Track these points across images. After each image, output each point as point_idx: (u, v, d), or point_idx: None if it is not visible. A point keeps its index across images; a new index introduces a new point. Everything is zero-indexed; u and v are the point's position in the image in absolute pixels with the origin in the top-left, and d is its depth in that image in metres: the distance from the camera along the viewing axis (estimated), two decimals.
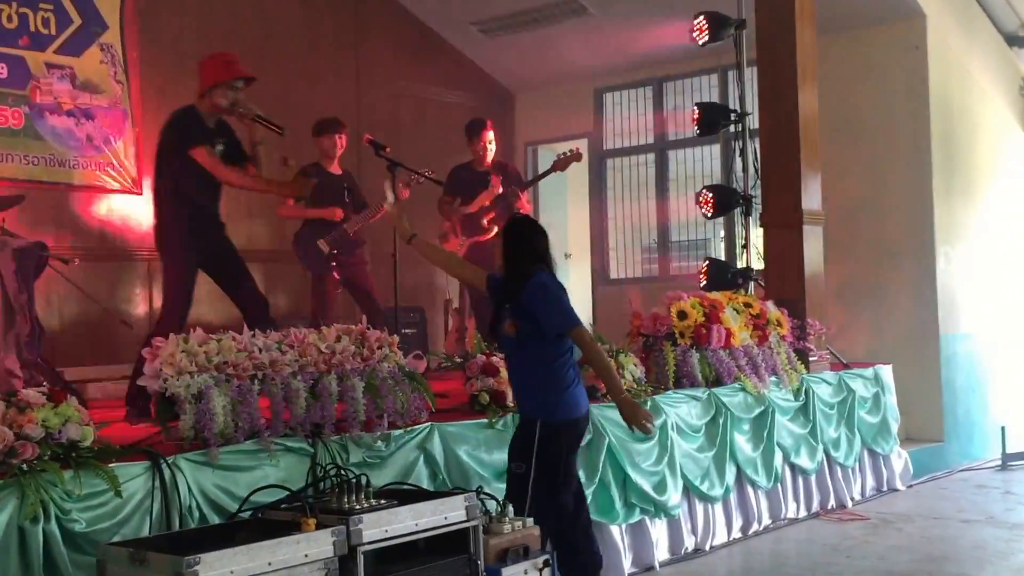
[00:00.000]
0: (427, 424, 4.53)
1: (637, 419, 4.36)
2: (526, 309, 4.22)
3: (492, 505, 4.03)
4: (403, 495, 3.63)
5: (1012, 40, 10.01)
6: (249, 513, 3.50)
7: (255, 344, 4.00)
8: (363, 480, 3.48)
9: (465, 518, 3.59)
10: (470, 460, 4.63)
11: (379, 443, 4.27)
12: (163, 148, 5.50)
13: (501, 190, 7.80)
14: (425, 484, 4.36)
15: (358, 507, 3.33)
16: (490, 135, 7.89)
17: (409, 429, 4.43)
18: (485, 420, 4.79)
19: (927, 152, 8.57)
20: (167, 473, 3.51)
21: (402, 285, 6.55)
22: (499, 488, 4.38)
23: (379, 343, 4.46)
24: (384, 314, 7.04)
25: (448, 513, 3.54)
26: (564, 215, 11.40)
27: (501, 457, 4.59)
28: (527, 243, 4.39)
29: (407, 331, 7.64)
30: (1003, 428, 8.44)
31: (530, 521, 3.96)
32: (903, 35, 8.74)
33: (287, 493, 3.53)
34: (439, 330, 9.40)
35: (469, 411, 4.92)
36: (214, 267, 5.56)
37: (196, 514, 3.59)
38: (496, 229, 7.72)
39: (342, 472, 3.54)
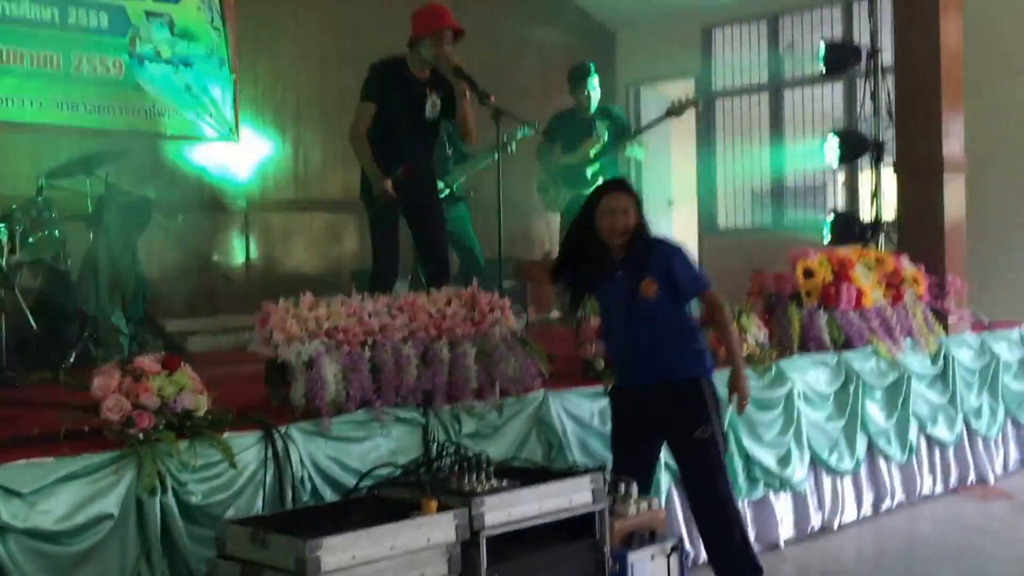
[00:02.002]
0: (540, 391, 4.47)
1: (743, 393, 4.28)
2: (660, 270, 4.14)
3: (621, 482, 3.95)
4: (524, 474, 3.58)
5: None
6: (365, 490, 3.48)
7: (364, 308, 3.96)
8: (483, 458, 3.43)
9: (591, 500, 3.52)
10: (586, 432, 4.56)
11: (492, 412, 4.22)
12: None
13: (606, 139, 7.65)
14: (539, 456, 4.32)
15: (480, 488, 3.28)
16: (595, 81, 7.73)
17: (522, 397, 4.37)
18: (600, 388, 4.71)
19: None
20: (280, 444, 3.51)
21: (504, 235, 6.50)
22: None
23: (491, 307, 4.40)
24: (484, 270, 7.00)
25: (573, 495, 3.48)
26: (668, 159, 11.23)
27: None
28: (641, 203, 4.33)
29: (506, 283, 7.59)
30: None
31: (656, 502, 3.90)
32: None
33: (402, 469, 3.50)
34: (540, 284, 9.33)
35: (581, 377, 4.84)
36: (414, 219, 5.69)
37: (309, 486, 3.60)
38: (600, 180, 7.59)
39: (461, 449, 3.49)
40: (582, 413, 4.60)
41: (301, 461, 3.56)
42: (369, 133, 5.50)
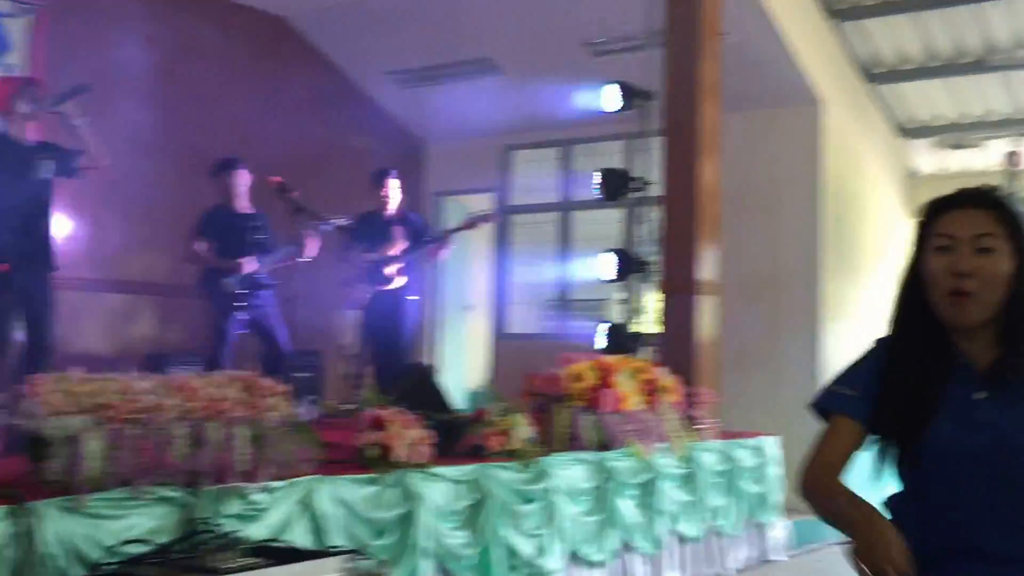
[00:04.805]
0: (311, 477, 4.35)
1: None
2: None
3: (370, 565, 3.86)
4: (278, 553, 3.45)
5: (902, 131, 10.35)
6: (112, 567, 3.28)
7: (136, 386, 3.78)
8: (235, 536, 3.29)
9: None
10: (353, 517, 4.45)
11: (259, 494, 4.07)
12: None
13: (406, 244, 7.69)
14: (305, 540, 4.17)
15: (225, 566, 3.14)
16: (394, 183, 7.79)
17: (292, 481, 4.24)
18: (371, 475, 4.62)
19: (817, 232, 8.74)
20: (30, 519, 3.27)
21: (300, 327, 6.40)
22: (376, 547, 4.22)
23: (269, 391, 4.28)
24: (287, 358, 6.87)
25: (322, 575, 3.37)
26: (466, 266, 11.34)
27: (383, 516, 4.42)
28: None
29: (302, 375, 7.46)
30: (882, 502, 8.55)
31: None
32: (801, 119, 8.95)
33: (156, 547, 3.32)
34: (335, 376, 9.19)
35: (356, 465, 4.75)
36: None
37: (59, 562, 3.35)
38: (400, 280, 7.60)
39: (213, 526, 3.34)
40: (350, 499, 4.49)
41: (52, 537, 3.32)
42: None
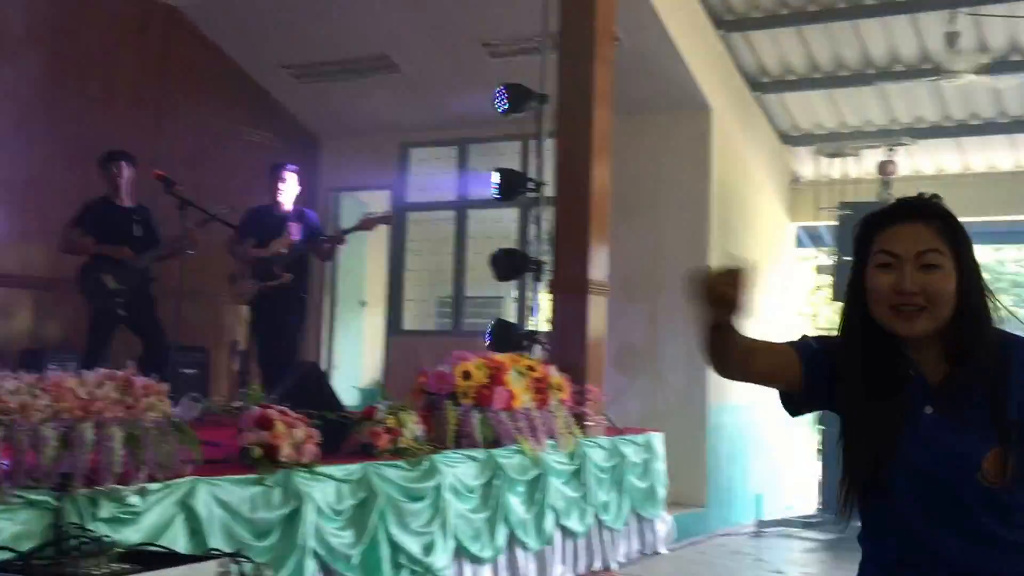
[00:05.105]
0: (190, 478, 4.18)
1: None
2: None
3: (250, 567, 3.72)
4: (152, 558, 3.29)
5: (786, 138, 10.56)
6: None
7: (4, 386, 3.57)
8: (107, 541, 3.13)
9: None
10: (234, 519, 4.29)
11: (134, 497, 3.89)
12: None
13: (298, 238, 7.51)
14: (184, 543, 4.00)
15: (93, 573, 2.98)
16: (289, 177, 7.61)
17: (169, 483, 4.07)
18: (255, 476, 4.47)
19: (706, 235, 8.85)
20: None
21: (187, 322, 6.19)
22: (259, 548, 4.08)
23: (146, 390, 4.10)
24: (168, 354, 6.64)
25: None
26: (362, 262, 11.18)
27: (267, 517, 4.29)
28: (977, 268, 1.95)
29: (187, 371, 7.25)
30: (759, 496, 8.71)
31: None
32: (690, 125, 9.05)
33: (19, 554, 3.13)
34: (223, 372, 8.96)
35: (239, 465, 4.60)
36: None
37: None
38: (289, 277, 7.42)
39: (84, 531, 3.17)
40: (232, 500, 4.33)
41: None
42: None
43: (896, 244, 1.89)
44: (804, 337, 2.10)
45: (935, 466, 1.87)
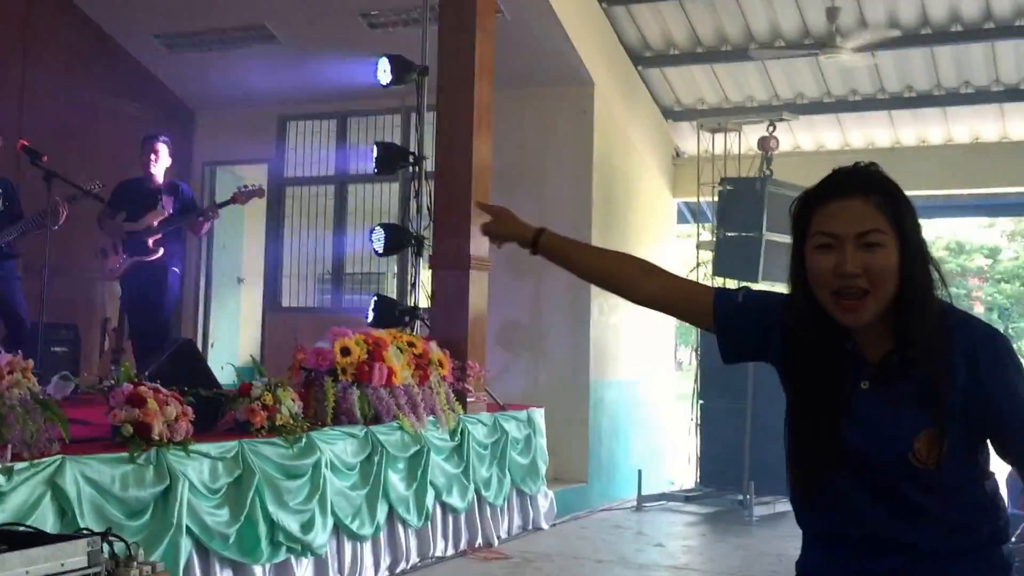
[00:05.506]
0: (58, 456, 4.16)
1: None
2: (967, 395, 1.86)
3: (121, 547, 3.74)
4: (17, 538, 3.29)
5: (668, 113, 10.84)
6: None
7: None
8: None
9: (87, 564, 3.30)
10: (105, 498, 4.29)
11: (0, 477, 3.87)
12: None
13: (173, 212, 7.44)
14: (53, 523, 4.00)
15: None
16: (161, 149, 7.52)
17: (36, 462, 4.05)
18: (126, 454, 4.47)
19: (588, 209, 9.05)
20: None
21: (56, 299, 6.09)
22: (132, 527, 4.10)
23: (10, 367, 4.06)
24: (35, 332, 6.52)
25: (66, 559, 3.23)
26: (239, 238, 11.08)
27: (136, 495, 4.30)
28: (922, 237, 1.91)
29: (57, 349, 7.12)
30: (639, 471, 8.99)
31: (160, 565, 3.72)
32: (573, 99, 9.23)
33: None
34: (94, 350, 8.79)
35: (110, 443, 4.58)
36: None
37: None
38: (161, 251, 7.35)
39: None
40: (102, 479, 4.33)
41: None
42: None
43: (835, 224, 1.83)
44: (734, 289, 2.14)
45: (866, 443, 1.87)
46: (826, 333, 1.89)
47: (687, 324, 2.42)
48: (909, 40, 9.18)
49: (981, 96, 9.81)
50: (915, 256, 1.83)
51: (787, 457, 1.97)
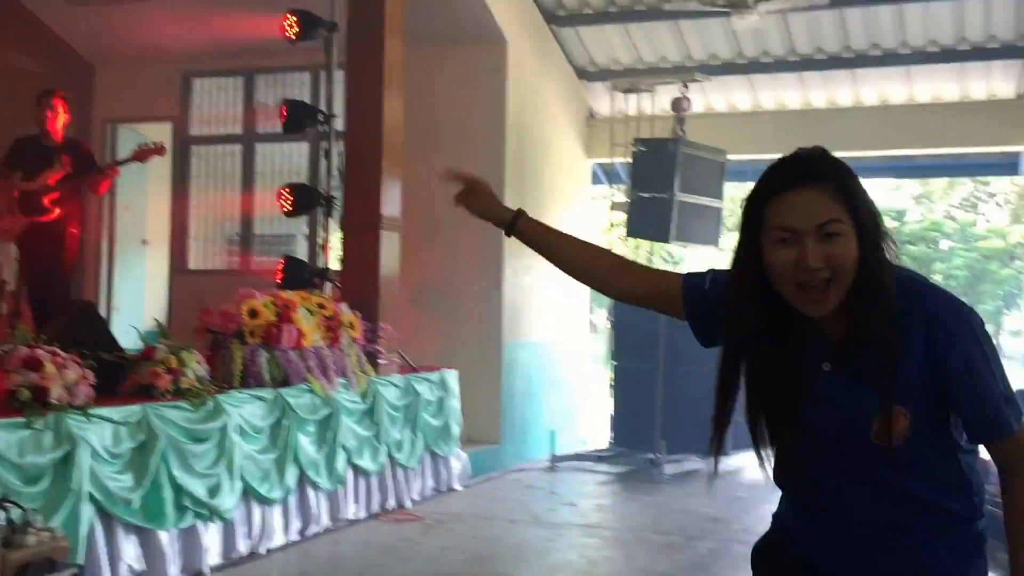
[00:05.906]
0: None
1: None
2: (927, 374, 1.88)
3: (18, 514, 3.70)
4: None
5: (582, 73, 10.88)
6: None
7: None
8: None
9: None
10: (2, 463, 4.22)
11: None
12: None
13: (71, 171, 7.26)
14: None
15: None
16: (58, 106, 7.31)
17: None
18: (23, 419, 4.40)
19: (501, 170, 9.06)
20: None
21: None
22: (30, 494, 4.04)
23: None
24: None
25: None
26: (143, 199, 10.86)
27: (34, 461, 4.23)
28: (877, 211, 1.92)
29: None
30: (553, 432, 9.11)
31: (59, 531, 3.69)
32: (486, 58, 9.21)
33: None
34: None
35: (6, 408, 4.50)
36: None
37: None
38: (59, 211, 7.18)
39: None
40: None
41: None
42: None
43: (792, 218, 1.83)
44: (701, 273, 2.11)
45: (828, 424, 1.91)
46: (785, 318, 1.90)
47: None
48: (819, 3, 9.34)
49: (889, 59, 10.04)
50: (870, 237, 1.83)
51: (751, 431, 1.96)
